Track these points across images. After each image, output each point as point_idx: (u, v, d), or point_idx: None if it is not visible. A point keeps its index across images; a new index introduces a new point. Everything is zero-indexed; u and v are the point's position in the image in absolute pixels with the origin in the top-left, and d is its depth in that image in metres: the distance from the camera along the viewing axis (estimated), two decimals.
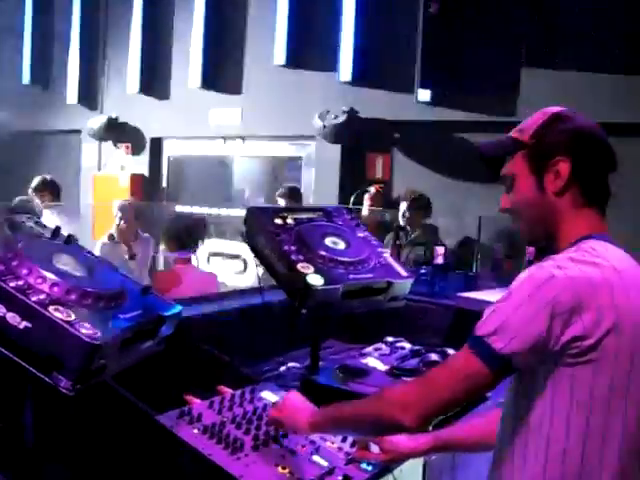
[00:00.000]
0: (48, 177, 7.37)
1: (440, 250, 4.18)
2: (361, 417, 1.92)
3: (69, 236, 2.08)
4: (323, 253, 2.73)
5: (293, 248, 2.70)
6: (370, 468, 2.20)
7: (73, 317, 1.63)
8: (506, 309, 1.67)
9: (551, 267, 1.67)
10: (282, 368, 3.06)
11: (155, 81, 10.53)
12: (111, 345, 1.69)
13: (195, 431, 2.09)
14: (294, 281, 2.63)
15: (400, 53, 8.19)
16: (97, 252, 6.30)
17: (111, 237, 6.58)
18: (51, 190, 7.21)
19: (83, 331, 1.59)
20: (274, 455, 2.12)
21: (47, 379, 1.63)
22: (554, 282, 1.64)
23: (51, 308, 1.63)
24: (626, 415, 1.69)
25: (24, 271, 1.71)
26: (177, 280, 4.75)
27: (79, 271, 1.86)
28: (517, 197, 1.86)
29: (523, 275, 1.70)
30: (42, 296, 1.66)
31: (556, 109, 1.87)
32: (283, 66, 9.18)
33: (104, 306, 1.77)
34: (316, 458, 2.17)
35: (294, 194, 7.48)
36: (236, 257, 8.67)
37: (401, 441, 2.14)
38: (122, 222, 6.53)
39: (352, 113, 8.40)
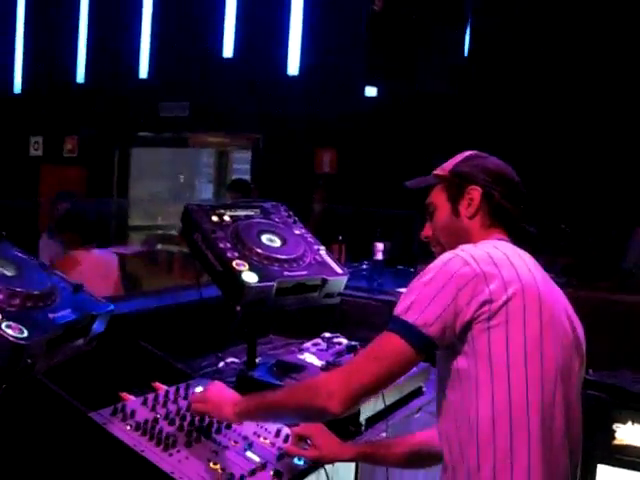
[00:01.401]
0: None
1: (379, 246, 4.24)
2: (287, 404, 1.99)
3: (0, 234, 2.08)
4: (258, 250, 2.77)
5: (229, 245, 2.73)
6: (302, 463, 2.25)
7: (0, 317, 1.64)
8: (416, 288, 1.84)
9: (456, 250, 1.88)
10: (220, 364, 3.10)
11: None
12: (39, 344, 1.70)
13: (128, 428, 2.11)
14: (229, 278, 2.66)
15: (347, 49, 8.25)
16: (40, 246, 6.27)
17: (50, 230, 6.51)
18: None
19: (9, 331, 1.61)
20: (206, 451, 2.14)
21: None
22: (457, 259, 1.83)
23: None
24: (542, 374, 1.81)
25: None
26: (75, 264, 4.67)
27: (8, 270, 1.87)
28: (437, 223, 2.11)
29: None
30: None
31: (471, 151, 2.16)
32: (231, 59, 9.19)
33: (33, 305, 1.78)
34: (249, 454, 2.21)
35: (242, 187, 7.47)
36: None
37: (331, 441, 2.21)
38: (59, 215, 6.46)
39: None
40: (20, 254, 2.08)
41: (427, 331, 1.77)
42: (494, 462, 1.78)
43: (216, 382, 2.29)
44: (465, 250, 1.86)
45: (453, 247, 1.94)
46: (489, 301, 1.77)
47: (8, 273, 1.85)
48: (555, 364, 1.83)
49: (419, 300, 1.80)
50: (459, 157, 2.14)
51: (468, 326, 1.78)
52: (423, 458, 2.25)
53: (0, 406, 1.90)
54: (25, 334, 1.63)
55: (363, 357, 1.89)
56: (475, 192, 2.03)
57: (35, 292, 1.83)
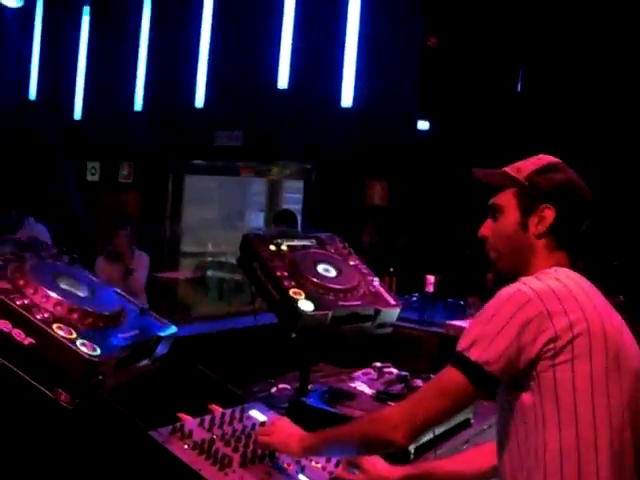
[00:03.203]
0: None
1: (430, 279, 4.28)
2: (352, 439, 2.05)
3: (72, 257, 2.19)
4: (315, 280, 2.84)
5: (286, 274, 2.81)
6: None
7: (74, 335, 1.74)
8: (479, 324, 1.83)
9: (518, 284, 1.84)
10: (273, 389, 3.16)
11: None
12: (109, 362, 1.79)
13: (186, 447, 2.18)
14: (286, 306, 2.73)
15: (400, 82, 8.33)
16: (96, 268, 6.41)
17: (108, 253, 6.66)
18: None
19: (83, 349, 1.70)
20: (260, 472, 2.20)
21: (49, 393, 1.73)
22: (520, 295, 1.80)
23: (54, 326, 1.73)
24: (610, 410, 1.80)
25: (30, 290, 1.82)
26: None
27: (81, 291, 1.96)
28: (500, 228, 2.01)
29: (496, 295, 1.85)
30: (46, 314, 1.77)
31: (551, 158, 2.04)
32: (286, 90, 9.33)
33: (104, 325, 1.88)
34: (301, 477, 2.26)
35: (289, 218, 7.48)
36: None
37: (379, 465, 2.26)
38: (119, 238, 6.62)
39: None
40: (91, 276, 2.18)
41: (490, 369, 1.78)
42: None
43: (281, 417, 2.36)
44: (527, 284, 1.83)
45: (509, 260, 1.96)
46: (554, 339, 1.76)
47: (81, 294, 1.95)
48: (622, 399, 1.82)
49: (482, 337, 1.79)
50: (538, 162, 2.02)
51: (533, 363, 1.78)
52: (470, 477, 2.26)
53: (69, 420, 1.99)
54: (98, 352, 1.72)
55: (426, 391, 1.94)
56: (549, 212, 1.95)
57: (106, 313, 1.93)
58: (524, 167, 2.01)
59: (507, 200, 2.00)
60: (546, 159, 2.04)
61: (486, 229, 2.05)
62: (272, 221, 7.55)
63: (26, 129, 11.92)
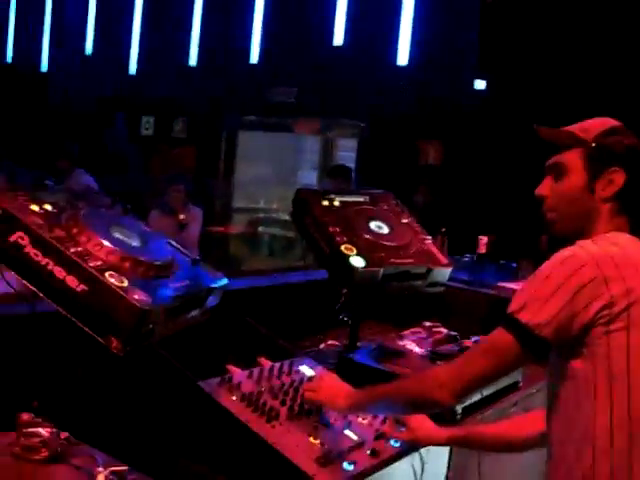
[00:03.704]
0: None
1: (483, 239, 4.23)
2: (399, 397, 2.04)
3: (125, 207, 2.20)
4: (367, 236, 2.82)
5: (338, 230, 2.79)
6: (398, 445, 2.30)
7: (126, 283, 1.75)
8: (532, 286, 1.78)
9: (574, 247, 1.79)
10: (322, 345, 3.17)
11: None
12: (160, 311, 1.80)
13: (234, 398, 2.20)
14: (337, 261, 2.72)
15: (457, 41, 8.20)
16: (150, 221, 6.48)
17: (162, 207, 6.72)
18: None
19: (135, 297, 1.71)
20: (307, 426, 2.22)
21: (100, 339, 1.75)
22: (575, 259, 1.75)
23: (107, 274, 1.74)
24: None
25: (83, 238, 1.83)
26: None
27: (134, 241, 1.97)
28: (563, 188, 1.92)
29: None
30: (99, 262, 1.77)
31: (615, 121, 1.96)
32: (341, 47, 9.26)
33: (155, 275, 1.88)
34: (347, 432, 2.27)
35: (343, 173, 7.47)
36: None
37: (426, 424, 2.25)
38: (173, 193, 6.68)
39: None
40: (143, 227, 2.19)
41: (540, 332, 1.73)
42: (612, 469, 1.74)
43: (327, 372, 2.36)
44: (584, 248, 1.78)
45: (569, 222, 1.90)
46: (609, 305, 1.71)
47: (134, 243, 1.96)
48: None
49: (533, 299, 1.75)
50: (605, 123, 1.95)
51: (586, 329, 1.73)
52: (517, 443, 2.24)
53: (120, 367, 2.01)
54: (149, 300, 1.73)
55: (475, 352, 1.93)
56: (619, 176, 1.87)
57: (158, 262, 1.93)
58: (591, 128, 1.94)
59: (573, 160, 1.91)
60: (610, 121, 1.96)
61: (545, 188, 1.96)
62: (327, 175, 7.53)
63: (81, 83, 12.02)
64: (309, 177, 11.04)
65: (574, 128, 1.96)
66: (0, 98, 12.21)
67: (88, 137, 11.07)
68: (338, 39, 9.61)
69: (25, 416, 1.81)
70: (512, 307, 1.79)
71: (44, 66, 13.52)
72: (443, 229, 4.89)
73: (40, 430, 1.78)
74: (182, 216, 6.65)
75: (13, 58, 13.98)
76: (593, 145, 1.91)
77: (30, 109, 12.14)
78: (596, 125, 1.95)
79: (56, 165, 7.02)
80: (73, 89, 12.29)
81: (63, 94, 12.40)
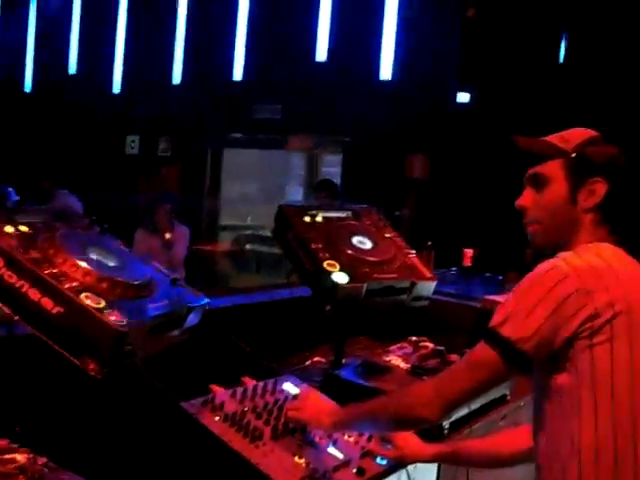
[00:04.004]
0: None
1: (468, 252, 4.22)
2: (384, 414, 2.00)
3: (103, 227, 2.17)
4: (349, 252, 2.80)
5: (320, 246, 2.77)
6: (384, 463, 2.27)
7: (103, 304, 1.72)
8: (513, 300, 1.76)
9: (555, 260, 1.76)
10: (307, 362, 3.14)
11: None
12: (138, 332, 1.78)
13: (217, 419, 2.16)
14: (320, 278, 2.70)
15: (440, 55, 8.24)
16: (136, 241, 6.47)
17: (148, 226, 6.70)
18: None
19: (111, 318, 1.68)
20: (292, 445, 2.18)
21: (77, 362, 1.72)
22: (557, 271, 1.71)
23: (82, 295, 1.72)
24: None
25: (59, 260, 1.81)
26: None
27: (112, 261, 1.95)
28: (545, 199, 1.90)
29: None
30: (75, 283, 1.75)
31: (594, 132, 1.94)
32: (324, 62, 9.28)
33: (133, 295, 1.86)
34: (332, 450, 2.24)
35: (329, 187, 7.48)
36: None
37: (412, 441, 2.22)
38: (159, 212, 6.66)
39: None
40: (121, 246, 2.17)
41: (522, 346, 1.70)
42: None
43: (311, 390, 2.33)
44: (566, 260, 1.75)
45: (551, 233, 1.87)
46: (593, 316, 1.68)
47: (111, 263, 1.93)
48: None
49: (515, 313, 1.72)
50: (584, 134, 1.93)
51: (569, 342, 1.70)
52: (504, 458, 2.21)
53: (99, 390, 1.98)
54: (126, 321, 1.70)
55: (459, 367, 1.89)
56: (600, 186, 1.84)
57: (135, 282, 1.91)
58: (571, 138, 1.91)
59: (554, 170, 1.88)
60: (590, 132, 1.94)
61: (526, 200, 1.92)
62: (313, 190, 7.57)
63: (66, 102, 12.00)
64: (296, 193, 11.04)
65: (554, 138, 1.94)
66: None
67: (72, 155, 11.04)
68: (321, 55, 9.63)
69: (1, 442, 1.77)
70: (494, 321, 1.76)
71: (28, 87, 13.50)
72: (429, 243, 4.88)
73: (17, 456, 1.75)
74: (168, 235, 6.64)
75: None
76: (573, 155, 1.88)
77: (15, 129, 12.11)
78: (576, 135, 1.93)
79: (40, 186, 6.99)
80: (57, 109, 12.26)
81: (48, 114, 12.36)
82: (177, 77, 11.50)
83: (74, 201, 6.98)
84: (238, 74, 10.68)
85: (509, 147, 1.99)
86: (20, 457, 1.75)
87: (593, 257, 1.77)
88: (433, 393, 1.85)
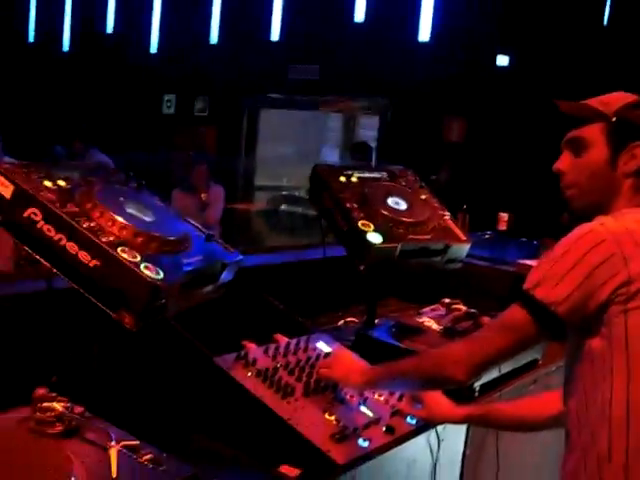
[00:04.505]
0: None
1: (504, 216, 4.20)
2: (414, 373, 2.02)
3: (140, 183, 2.19)
4: (384, 212, 2.80)
5: (355, 206, 2.77)
6: (414, 422, 2.29)
7: (139, 259, 1.74)
8: (548, 263, 1.74)
9: (593, 223, 1.74)
10: (340, 322, 3.17)
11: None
12: (172, 287, 1.79)
13: (249, 374, 2.19)
14: (354, 238, 2.70)
15: (480, 17, 8.13)
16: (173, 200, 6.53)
17: (184, 186, 6.76)
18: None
19: (146, 272, 1.70)
20: (323, 402, 2.20)
21: (113, 315, 1.75)
22: (594, 235, 1.70)
23: (119, 249, 1.74)
24: None
25: (96, 214, 1.83)
26: None
27: (147, 216, 1.97)
28: (584, 163, 1.88)
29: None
30: (111, 238, 1.77)
31: (635, 96, 1.90)
32: (363, 23, 9.20)
33: (168, 250, 1.88)
34: (363, 408, 2.26)
35: (363, 149, 7.53)
36: None
37: (443, 402, 2.23)
38: (196, 173, 6.71)
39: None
40: (158, 202, 2.19)
41: (555, 309, 1.69)
42: (627, 451, 1.71)
43: (343, 348, 2.35)
44: (603, 224, 1.73)
45: (590, 197, 1.85)
46: (627, 283, 1.67)
47: (147, 219, 1.95)
48: None
49: (549, 276, 1.71)
50: (625, 98, 1.90)
51: (603, 307, 1.69)
52: (534, 422, 2.22)
53: (134, 343, 2.01)
54: (161, 276, 1.73)
55: (490, 328, 1.91)
56: None
57: (171, 238, 1.93)
58: (612, 101, 1.88)
59: (594, 134, 1.86)
60: (629, 96, 1.91)
61: (564, 164, 1.90)
62: (349, 152, 7.63)
63: (104, 61, 12.04)
64: (332, 155, 11.02)
65: (593, 102, 1.92)
66: (23, 79, 12.27)
67: (110, 114, 11.10)
68: (359, 16, 9.54)
69: (40, 391, 1.81)
70: (528, 283, 1.76)
71: (66, 46, 13.56)
72: (465, 206, 4.86)
73: (55, 404, 1.78)
74: (204, 195, 6.69)
75: (35, 38, 14.01)
76: (614, 119, 1.86)
77: (53, 89, 12.19)
78: (617, 99, 1.90)
79: (72, 147, 7.09)
80: (95, 67, 12.31)
81: (86, 73, 12.42)
82: (214, 37, 11.48)
83: (105, 158, 7.07)
84: (275, 34, 10.63)
85: (548, 111, 1.97)
86: (58, 405, 1.79)
87: (631, 223, 1.75)
88: (464, 353, 1.86)
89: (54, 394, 1.83)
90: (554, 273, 1.72)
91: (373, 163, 7.28)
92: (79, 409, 1.84)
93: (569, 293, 1.69)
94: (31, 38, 14.05)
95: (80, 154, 6.93)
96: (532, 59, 7.70)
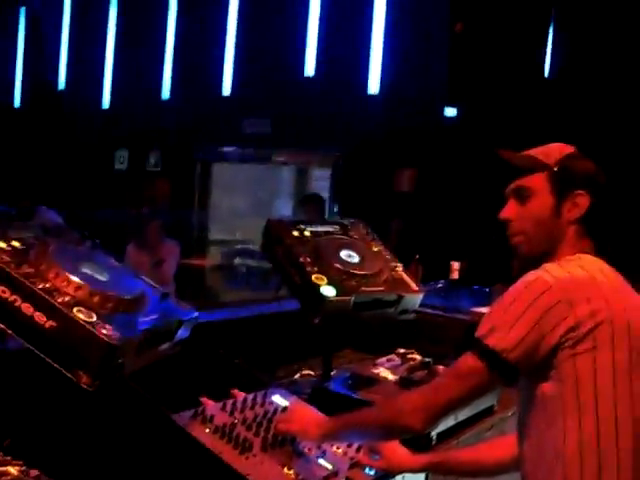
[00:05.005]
0: None
1: (455, 265, 4.26)
2: (371, 424, 2.05)
3: (94, 241, 2.20)
4: (337, 265, 2.83)
5: (308, 260, 2.80)
6: (373, 473, 2.30)
7: (95, 318, 1.75)
8: (498, 310, 1.81)
9: (539, 271, 1.81)
10: (296, 375, 3.17)
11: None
12: (129, 345, 1.80)
13: (207, 430, 2.19)
14: (308, 291, 2.73)
15: (428, 69, 8.30)
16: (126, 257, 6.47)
17: (138, 242, 6.71)
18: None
19: (103, 331, 1.71)
20: (282, 456, 2.21)
21: (70, 375, 1.75)
22: (540, 282, 1.77)
23: (75, 309, 1.75)
24: (632, 403, 1.78)
25: (51, 274, 1.84)
26: None
27: (103, 275, 1.98)
28: (529, 211, 1.95)
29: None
30: (67, 298, 1.78)
31: (571, 146, 2.00)
32: (313, 77, 9.32)
33: (124, 309, 1.89)
34: (322, 461, 2.27)
35: (314, 200, 7.52)
36: None
37: (400, 451, 2.25)
38: (149, 229, 6.67)
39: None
40: (112, 261, 2.20)
41: (507, 356, 1.75)
42: None
43: (301, 402, 2.37)
44: (549, 271, 1.79)
45: (536, 245, 1.92)
46: (575, 327, 1.73)
47: (102, 278, 1.96)
48: None
49: (500, 324, 1.77)
50: (565, 148, 1.99)
51: (553, 352, 1.75)
52: (492, 467, 2.24)
53: (90, 403, 2.00)
54: (117, 335, 1.73)
55: (446, 377, 1.95)
56: (583, 199, 1.90)
57: (127, 297, 1.94)
58: (552, 152, 1.98)
59: (538, 183, 1.94)
60: (569, 147, 2.01)
61: (510, 212, 1.97)
62: (299, 203, 7.61)
63: (55, 118, 12.01)
64: (285, 208, 11.06)
65: (535, 152, 2.00)
66: None
67: (61, 171, 11.04)
68: (309, 70, 9.69)
69: None
70: (480, 332, 1.81)
71: (17, 102, 13.51)
72: (417, 256, 4.92)
73: (9, 468, 1.77)
74: (158, 252, 6.64)
75: None
76: (556, 169, 1.94)
77: (2, 145, 12.10)
78: (557, 150, 1.99)
79: (21, 205, 7.02)
80: (46, 124, 12.26)
81: (37, 129, 12.36)
82: (166, 92, 11.54)
83: (54, 216, 7.00)
84: (227, 89, 10.72)
85: (494, 161, 2.03)
86: (13, 469, 1.77)
87: (576, 268, 1.82)
88: (420, 402, 1.89)
89: (8, 457, 1.81)
90: (504, 321, 1.77)
91: (326, 214, 7.31)
92: (34, 472, 1.82)
93: (520, 340, 1.74)
94: None
95: (30, 213, 6.86)
96: (479, 110, 7.87)
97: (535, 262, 1.90)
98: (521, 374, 1.83)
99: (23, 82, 13.45)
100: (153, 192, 10.92)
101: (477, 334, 1.81)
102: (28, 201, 7.00)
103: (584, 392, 1.76)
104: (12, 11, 13.47)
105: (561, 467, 1.78)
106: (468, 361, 1.82)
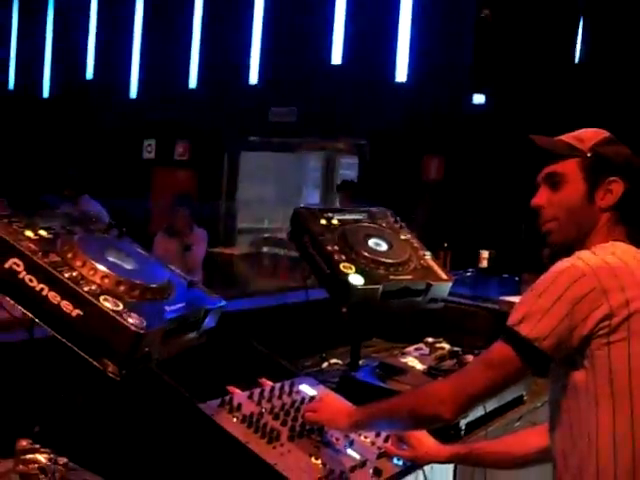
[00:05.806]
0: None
1: (484, 254, 4.23)
2: (400, 413, 2.02)
3: (121, 230, 2.20)
4: (365, 254, 2.81)
5: (336, 248, 2.79)
6: (401, 463, 2.28)
7: (121, 307, 1.74)
8: (531, 298, 1.77)
9: (572, 259, 1.77)
10: (324, 364, 3.16)
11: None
12: (155, 334, 1.79)
13: (234, 420, 2.18)
14: (336, 280, 2.71)
15: (455, 56, 8.24)
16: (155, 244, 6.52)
17: (167, 230, 6.76)
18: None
19: (130, 320, 1.70)
20: (309, 446, 2.20)
21: (96, 364, 1.74)
22: (573, 270, 1.73)
23: (101, 298, 1.74)
24: None
25: (78, 263, 1.83)
26: None
27: (129, 264, 1.97)
28: (562, 197, 1.91)
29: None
30: (93, 287, 1.77)
31: (607, 132, 1.95)
32: (340, 66, 9.30)
33: (151, 297, 1.88)
34: (349, 451, 2.25)
35: (350, 186, 7.63)
36: None
37: (428, 442, 2.23)
38: (178, 216, 6.72)
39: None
40: (139, 249, 2.19)
41: (540, 345, 1.72)
42: None
43: (329, 391, 2.35)
44: (582, 259, 1.76)
45: (568, 232, 1.88)
46: (609, 316, 1.70)
47: (129, 266, 1.95)
48: None
49: (533, 312, 1.74)
50: (599, 134, 1.95)
51: (586, 341, 1.72)
52: (521, 458, 2.21)
53: (118, 392, 2.00)
54: (144, 324, 1.72)
55: (476, 366, 1.92)
56: (618, 185, 1.86)
57: (153, 285, 1.93)
58: (586, 138, 1.93)
59: (570, 170, 1.90)
60: (604, 132, 1.96)
61: (542, 198, 1.93)
62: (336, 189, 7.74)
63: (83, 108, 12.08)
64: (313, 196, 11.05)
65: (568, 137, 1.96)
66: (3, 126, 12.27)
67: (89, 160, 11.10)
68: (337, 58, 9.65)
69: (23, 442, 1.80)
70: (511, 320, 1.78)
71: (46, 93, 13.61)
72: (445, 244, 4.89)
73: (38, 456, 1.77)
74: (187, 239, 6.69)
75: (15, 85, 14.06)
76: (589, 155, 1.90)
77: (32, 136, 12.20)
78: (590, 135, 1.95)
79: (63, 194, 7.09)
80: (74, 114, 12.35)
81: (65, 119, 12.45)
82: (193, 82, 11.56)
83: (96, 205, 7.06)
84: (254, 78, 10.72)
85: (524, 147, 2.00)
86: (41, 457, 1.77)
87: (609, 256, 1.78)
88: (449, 391, 1.87)
89: (37, 445, 1.82)
90: (537, 309, 1.74)
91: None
92: (63, 460, 1.82)
93: (552, 328, 1.72)
94: (11, 85, 14.10)
95: (72, 202, 6.92)
96: (507, 97, 7.79)
97: (566, 250, 1.87)
98: (553, 363, 1.80)
99: (51, 73, 13.55)
100: (181, 181, 10.96)
101: (509, 322, 1.78)
102: (70, 189, 7.05)
103: (618, 382, 1.73)
104: (40, 2, 13.56)
105: (594, 460, 1.75)
106: (499, 350, 1.79)
